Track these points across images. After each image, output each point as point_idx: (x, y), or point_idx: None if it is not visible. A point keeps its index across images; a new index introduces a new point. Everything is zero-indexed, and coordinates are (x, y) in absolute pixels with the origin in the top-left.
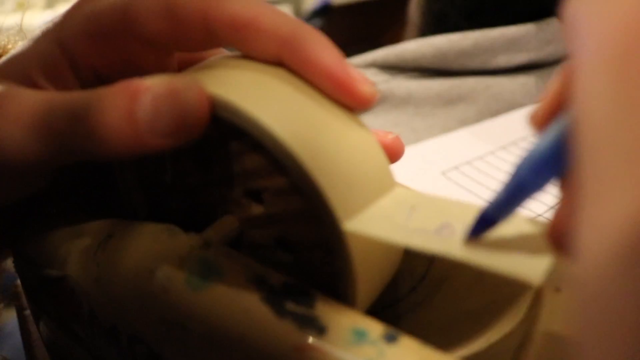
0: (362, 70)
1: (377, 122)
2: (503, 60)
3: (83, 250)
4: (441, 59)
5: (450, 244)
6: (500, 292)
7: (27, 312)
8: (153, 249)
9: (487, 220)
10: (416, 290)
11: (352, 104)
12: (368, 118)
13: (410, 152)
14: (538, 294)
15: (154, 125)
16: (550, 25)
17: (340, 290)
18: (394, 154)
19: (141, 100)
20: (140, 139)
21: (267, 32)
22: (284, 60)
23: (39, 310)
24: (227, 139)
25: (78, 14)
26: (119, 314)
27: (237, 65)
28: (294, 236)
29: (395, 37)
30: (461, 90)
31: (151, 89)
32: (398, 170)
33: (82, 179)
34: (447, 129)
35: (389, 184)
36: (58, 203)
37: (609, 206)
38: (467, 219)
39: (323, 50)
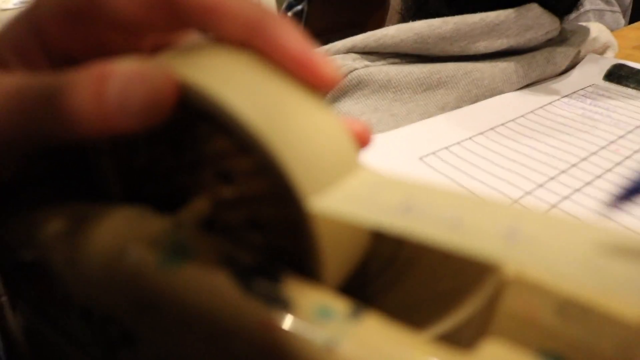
0: (342, 55)
1: (357, 107)
2: (483, 46)
3: (56, 233)
4: (421, 45)
5: (412, 222)
6: (466, 273)
7: (4, 298)
8: (124, 231)
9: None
10: (385, 271)
11: (316, 85)
12: (348, 103)
13: (389, 137)
14: (502, 275)
15: (122, 106)
16: (530, 11)
17: (308, 269)
18: (363, 140)
19: (109, 83)
20: (108, 120)
21: (233, 16)
22: (251, 44)
23: (14, 295)
24: (195, 121)
25: None
26: (92, 295)
27: (205, 49)
28: (264, 216)
29: (379, 22)
30: (441, 76)
31: (119, 71)
32: (376, 155)
33: (57, 163)
34: (426, 114)
35: (354, 164)
36: (32, 188)
37: None
38: (430, 199)
39: (288, 34)
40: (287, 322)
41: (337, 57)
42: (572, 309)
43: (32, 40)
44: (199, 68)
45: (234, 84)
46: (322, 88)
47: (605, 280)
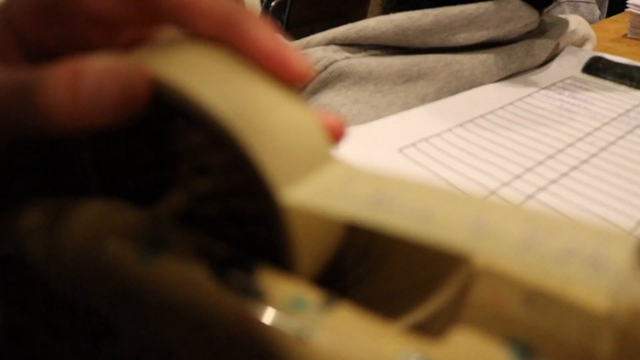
0: (323, 47)
1: (338, 99)
2: (463, 38)
3: (35, 227)
4: (401, 37)
5: (381, 214)
6: (439, 264)
7: None
8: (103, 224)
9: None
10: (361, 263)
11: (288, 79)
12: (328, 95)
13: (368, 129)
14: (472, 266)
15: (96, 102)
16: (509, 4)
17: (282, 261)
18: (337, 134)
19: (83, 79)
20: (83, 115)
21: (207, 12)
22: (224, 40)
23: None
24: (171, 116)
25: None
26: (72, 288)
27: (179, 45)
28: (240, 209)
29: (363, 13)
30: (421, 68)
31: (93, 67)
32: (355, 146)
33: (37, 158)
34: (407, 106)
35: (327, 157)
36: (11, 182)
37: None
38: (401, 192)
39: (260, 30)
40: (261, 312)
41: (318, 49)
42: (538, 299)
43: (7, 37)
44: (172, 64)
45: (207, 80)
46: (294, 82)
47: (570, 271)
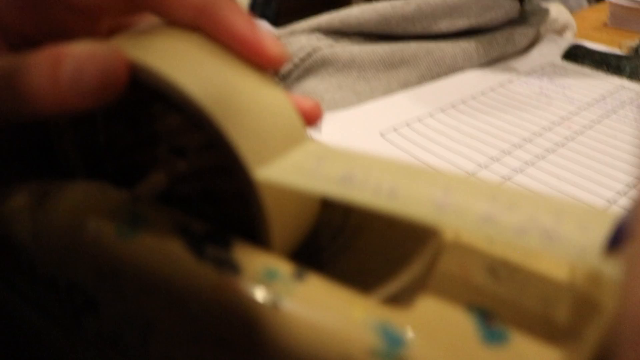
0: (308, 35)
1: (322, 85)
2: (444, 26)
3: (20, 208)
4: (384, 24)
5: (351, 190)
6: (411, 238)
7: None
8: (85, 204)
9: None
10: (336, 239)
11: (263, 64)
12: (312, 82)
13: (351, 114)
14: (442, 238)
15: (76, 87)
16: None
17: (257, 236)
18: (312, 117)
19: (64, 64)
20: (63, 99)
21: (184, 2)
22: (200, 27)
23: None
24: (150, 100)
25: None
26: (56, 265)
27: (157, 32)
28: (216, 188)
29: (350, 2)
30: (403, 55)
31: (73, 53)
32: (338, 131)
33: (20, 142)
34: (389, 92)
35: (300, 137)
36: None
37: None
38: (371, 169)
39: (235, 16)
40: (236, 283)
41: (303, 37)
42: (502, 268)
43: None
44: (150, 50)
45: (183, 64)
46: (269, 67)
47: (526, 242)
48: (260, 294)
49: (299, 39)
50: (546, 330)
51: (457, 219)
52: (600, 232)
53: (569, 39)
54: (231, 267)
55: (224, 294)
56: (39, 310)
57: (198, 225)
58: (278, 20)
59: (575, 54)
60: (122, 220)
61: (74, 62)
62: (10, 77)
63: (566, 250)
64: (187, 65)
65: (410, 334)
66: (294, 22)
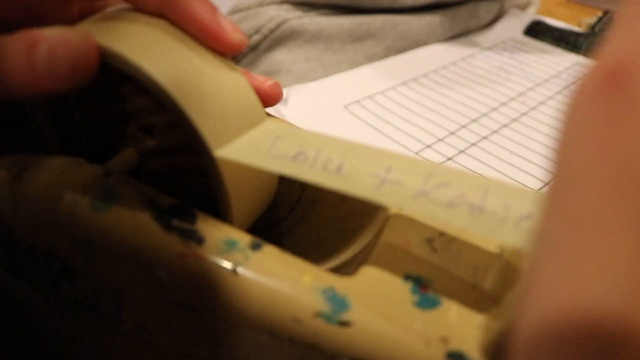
0: (277, 6)
1: (290, 56)
2: (410, 0)
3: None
4: None
5: (302, 168)
6: (359, 212)
7: None
8: (61, 178)
9: None
10: (293, 211)
11: (223, 49)
12: (281, 53)
13: (317, 87)
14: (387, 212)
15: (50, 70)
16: None
17: (219, 210)
18: (272, 97)
19: (38, 48)
20: (38, 81)
21: None
22: (165, 14)
23: None
24: (119, 82)
25: None
26: (34, 236)
27: (125, 18)
28: (183, 165)
29: None
30: (370, 28)
31: (47, 38)
32: (303, 103)
33: None
34: (355, 64)
35: (259, 118)
36: None
37: (543, 294)
38: (322, 148)
39: (197, 5)
40: (199, 252)
41: (272, 8)
42: (439, 240)
43: None
44: (119, 35)
45: (149, 50)
46: (229, 52)
47: (453, 217)
48: (221, 262)
49: (268, 9)
50: (474, 296)
51: (393, 194)
52: (520, 210)
53: (531, 14)
54: (195, 238)
55: (188, 262)
56: (19, 277)
57: (165, 199)
58: None
59: (536, 30)
60: (96, 194)
61: (48, 46)
62: None
63: (490, 225)
64: (153, 51)
65: (352, 299)
66: None
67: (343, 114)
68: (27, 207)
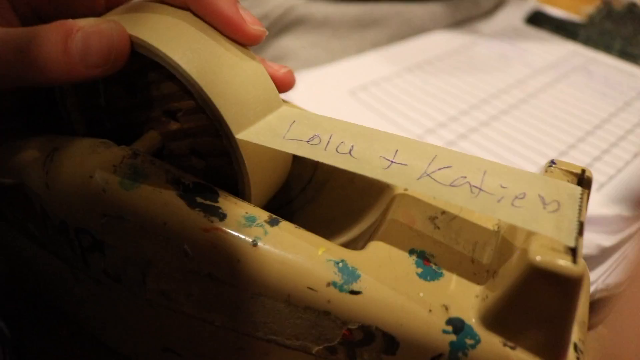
0: None
1: (298, 42)
2: None
3: (33, 161)
4: None
5: (316, 150)
6: (368, 191)
7: None
8: (92, 159)
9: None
10: (305, 190)
11: (244, 40)
12: (289, 39)
13: (323, 72)
14: (393, 191)
15: (85, 58)
16: None
17: (238, 188)
18: (286, 84)
19: (74, 38)
20: (73, 68)
21: None
22: (190, 6)
23: None
24: (146, 69)
25: None
26: (66, 212)
27: (153, 9)
28: (204, 146)
29: None
30: (375, 15)
31: (83, 28)
32: (310, 88)
33: (28, 101)
34: (361, 50)
35: (275, 103)
36: (6, 122)
37: None
38: (334, 131)
39: None
40: (222, 226)
41: None
42: (441, 218)
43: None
44: (148, 26)
45: (177, 40)
46: (249, 43)
47: (453, 196)
48: (242, 236)
49: None
50: (472, 269)
51: (401, 176)
52: (515, 190)
53: (532, 3)
54: (217, 214)
55: (211, 236)
56: (50, 251)
57: (189, 178)
58: None
59: (537, 19)
60: (124, 174)
61: (83, 35)
62: (24, 47)
63: (486, 204)
64: (180, 41)
65: (362, 270)
66: None
67: (348, 99)
68: (60, 186)
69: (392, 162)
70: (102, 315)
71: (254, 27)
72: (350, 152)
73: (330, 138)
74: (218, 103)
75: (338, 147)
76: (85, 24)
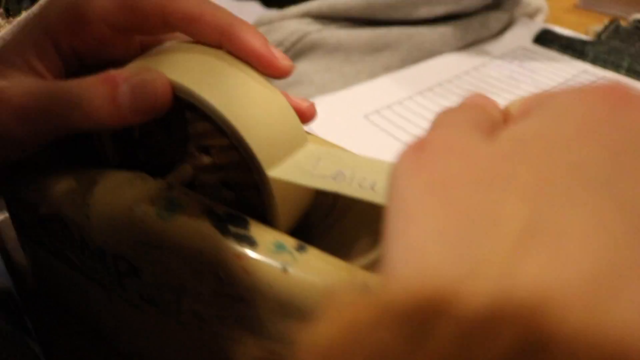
0: (298, 20)
1: (311, 67)
2: (424, 12)
3: (71, 192)
4: (369, 10)
5: (341, 185)
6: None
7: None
8: (130, 192)
9: None
10: (327, 217)
11: (276, 75)
12: (304, 64)
13: (338, 97)
14: None
15: (132, 107)
16: None
17: (267, 218)
18: (308, 116)
19: (121, 89)
20: (122, 117)
21: (211, 24)
22: (224, 45)
23: (33, 243)
24: (183, 109)
25: (58, 4)
26: (105, 240)
27: (188, 51)
28: (234, 180)
29: None
30: (387, 39)
31: (128, 80)
32: (327, 113)
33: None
34: (373, 74)
35: (302, 139)
36: (45, 155)
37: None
38: (356, 167)
39: (252, 36)
40: (253, 253)
41: (293, 22)
42: None
43: (47, 43)
44: (185, 70)
45: (212, 82)
46: (279, 77)
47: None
48: (272, 261)
49: (289, 23)
50: None
51: None
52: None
53: (539, 23)
54: (249, 242)
55: (244, 262)
56: (87, 276)
57: (221, 208)
58: (269, 3)
59: (545, 38)
60: (161, 205)
61: (129, 86)
62: (76, 100)
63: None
64: (216, 83)
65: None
66: (284, 6)
67: (364, 124)
68: (100, 217)
69: None
70: (134, 335)
71: (285, 62)
72: (372, 187)
73: (353, 174)
74: (251, 142)
75: (361, 182)
76: (130, 75)
